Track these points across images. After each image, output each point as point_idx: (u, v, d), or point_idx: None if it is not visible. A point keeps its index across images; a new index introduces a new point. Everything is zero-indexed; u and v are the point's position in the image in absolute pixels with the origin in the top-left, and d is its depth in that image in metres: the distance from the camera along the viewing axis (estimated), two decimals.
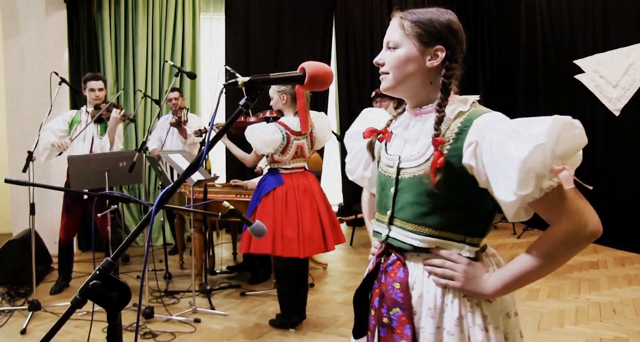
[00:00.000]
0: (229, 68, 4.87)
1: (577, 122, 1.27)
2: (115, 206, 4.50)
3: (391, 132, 1.64)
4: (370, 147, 1.71)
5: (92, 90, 4.88)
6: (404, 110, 1.65)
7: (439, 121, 1.44)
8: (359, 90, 7.90)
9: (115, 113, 4.76)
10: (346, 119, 7.82)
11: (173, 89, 6.25)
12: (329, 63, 7.75)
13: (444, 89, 1.48)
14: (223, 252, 6.42)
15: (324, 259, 5.91)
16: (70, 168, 4.12)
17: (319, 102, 7.54)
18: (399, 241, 1.52)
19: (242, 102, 1.27)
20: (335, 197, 8.12)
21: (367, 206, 1.96)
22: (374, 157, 1.71)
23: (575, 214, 1.29)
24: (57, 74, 4.60)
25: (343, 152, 7.57)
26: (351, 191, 7.74)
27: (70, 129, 4.85)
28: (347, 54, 7.92)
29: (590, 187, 1.34)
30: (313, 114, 4.04)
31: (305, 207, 3.81)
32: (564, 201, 1.30)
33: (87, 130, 4.85)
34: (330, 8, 7.82)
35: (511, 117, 1.36)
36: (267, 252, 3.76)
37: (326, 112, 7.49)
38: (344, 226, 7.53)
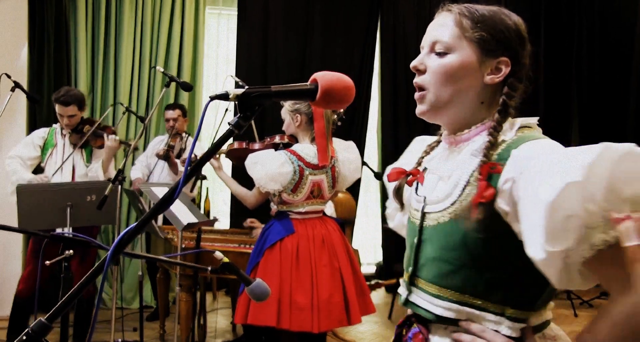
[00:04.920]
0: (235, 78, 4.94)
1: None
2: (71, 251, 4.51)
3: (424, 169, 1.65)
4: (398, 193, 1.72)
5: (60, 116, 4.98)
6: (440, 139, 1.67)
7: (490, 146, 1.43)
8: (409, 113, 7.86)
9: (111, 141, 4.86)
10: (391, 151, 7.85)
11: (172, 106, 6.28)
12: (370, 74, 7.89)
13: (503, 110, 1.48)
14: (219, 320, 6.42)
15: (353, 336, 5.87)
16: (20, 201, 4.12)
17: (356, 127, 7.62)
18: (420, 307, 1.53)
19: (232, 120, 1.29)
20: (373, 254, 8.10)
21: None
22: (402, 206, 1.73)
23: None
24: (9, 76, 4.72)
25: (384, 195, 7.55)
26: (394, 246, 7.70)
27: (44, 154, 4.98)
28: (396, 63, 7.97)
29: None
30: (338, 142, 4.07)
31: (322, 264, 3.78)
32: (626, 264, 1.20)
33: (65, 156, 4.98)
34: (375, 3, 7.92)
35: None
36: (269, 324, 3.69)
37: (363, 142, 7.54)
38: (382, 292, 7.48)
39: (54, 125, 5.14)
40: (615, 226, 1.19)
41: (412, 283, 1.57)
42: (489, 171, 1.39)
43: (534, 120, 1.50)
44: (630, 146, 1.21)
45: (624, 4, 7.66)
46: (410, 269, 1.57)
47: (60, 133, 5.05)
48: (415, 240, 1.56)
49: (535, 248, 1.25)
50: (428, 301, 1.51)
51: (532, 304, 1.45)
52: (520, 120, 1.49)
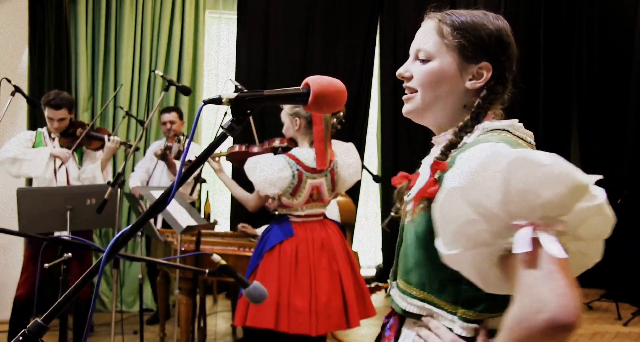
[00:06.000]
0: (234, 82, 4.95)
1: (541, 158, 1.19)
2: (69, 254, 4.51)
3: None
4: (399, 196, 1.73)
5: (50, 119, 4.95)
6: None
7: (450, 146, 1.48)
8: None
9: (112, 142, 4.88)
10: (391, 154, 7.84)
11: (168, 109, 6.28)
12: (370, 77, 7.88)
13: (475, 112, 1.51)
14: (219, 323, 6.42)
15: (353, 339, 5.87)
16: (20, 204, 4.13)
17: (356, 131, 7.61)
18: (395, 302, 1.60)
19: (226, 124, 1.32)
20: (373, 256, 8.10)
21: None
22: (399, 209, 1.75)
23: (526, 293, 1.18)
24: (9, 81, 4.72)
25: (384, 198, 7.60)
26: (394, 249, 7.57)
27: None
28: (395, 66, 7.64)
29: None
30: (338, 144, 4.07)
31: (321, 268, 3.79)
32: (519, 272, 1.21)
33: (56, 159, 4.98)
34: (376, 7, 7.92)
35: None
36: (267, 327, 3.71)
37: (363, 145, 7.56)
38: (382, 295, 7.42)
39: (39, 128, 5.13)
40: (514, 232, 1.21)
41: (394, 278, 1.65)
42: (437, 168, 1.43)
43: (507, 123, 1.49)
44: (518, 152, 1.21)
45: (624, 4, 7.67)
46: (394, 265, 1.66)
47: (48, 136, 5.05)
48: (398, 237, 1.64)
49: (440, 248, 1.30)
50: (399, 296, 1.57)
51: (481, 306, 1.44)
52: (490, 124, 1.50)
